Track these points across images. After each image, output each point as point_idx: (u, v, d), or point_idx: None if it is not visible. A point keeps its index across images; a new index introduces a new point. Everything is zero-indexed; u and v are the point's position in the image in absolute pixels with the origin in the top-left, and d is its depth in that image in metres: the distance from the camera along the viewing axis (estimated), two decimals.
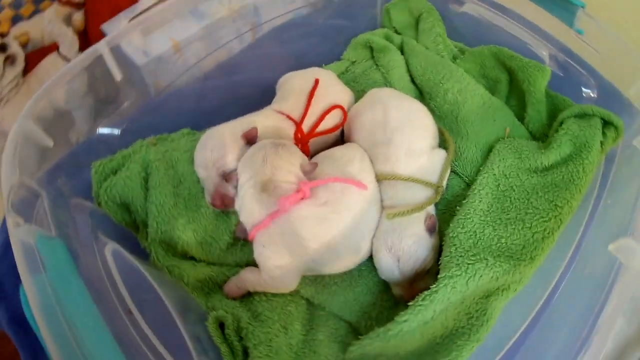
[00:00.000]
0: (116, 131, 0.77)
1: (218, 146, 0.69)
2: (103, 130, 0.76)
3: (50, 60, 0.97)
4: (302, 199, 0.62)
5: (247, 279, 0.65)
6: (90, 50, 0.72)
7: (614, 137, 0.69)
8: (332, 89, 0.81)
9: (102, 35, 0.97)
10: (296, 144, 0.73)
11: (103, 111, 0.78)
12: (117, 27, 0.96)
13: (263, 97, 0.86)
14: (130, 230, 0.72)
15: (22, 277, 0.52)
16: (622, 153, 0.69)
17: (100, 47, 0.72)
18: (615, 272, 0.54)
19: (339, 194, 0.64)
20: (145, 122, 0.80)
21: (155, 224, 0.68)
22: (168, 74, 0.85)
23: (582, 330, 0.52)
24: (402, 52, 0.92)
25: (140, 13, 0.98)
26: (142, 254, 0.69)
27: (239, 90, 0.91)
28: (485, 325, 0.58)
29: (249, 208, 0.62)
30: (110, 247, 0.60)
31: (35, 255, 0.53)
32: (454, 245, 0.63)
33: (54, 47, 0.99)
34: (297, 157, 0.66)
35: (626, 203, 0.60)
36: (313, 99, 0.77)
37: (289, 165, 0.64)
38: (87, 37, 1.04)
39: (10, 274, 0.77)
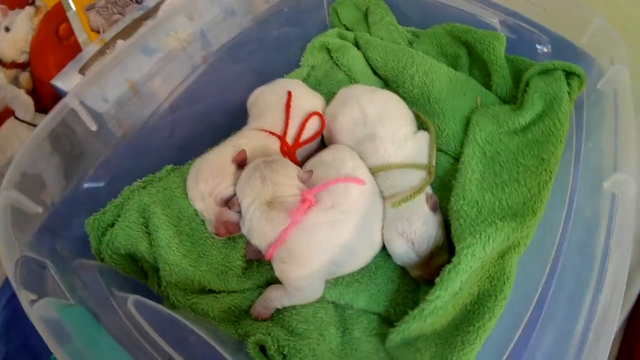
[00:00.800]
0: (100, 183, 0.74)
1: (211, 176, 0.68)
2: (87, 185, 0.73)
3: (9, 126, 0.93)
4: (309, 207, 0.63)
5: (273, 296, 0.65)
6: (58, 108, 0.70)
7: (579, 85, 0.72)
8: (304, 97, 0.82)
9: (52, 90, 0.94)
10: (284, 157, 0.73)
11: (79, 166, 0.75)
12: (67, 80, 0.93)
13: (232, 118, 0.86)
14: (139, 280, 0.70)
15: (53, 351, 0.50)
16: (589, 98, 0.72)
17: (70, 102, 0.70)
18: (614, 206, 0.57)
19: (343, 195, 0.65)
20: (125, 167, 0.78)
21: (167, 267, 0.66)
22: (132, 116, 0.83)
23: (600, 266, 0.55)
24: (358, 47, 0.94)
25: (88, 61, 0.96)
26: (156, 300, 0.67)
27: (206, 117, 0.90)
28: (507, 283, 0.60)
29: (261, 229, 0.63)
30: (132, 300, 0.58)
31: (60, 327, 0.52)
32: (461, 217, 0.65)
33: (9, 113, 0.95)
34: (292, 169, 0.67)
35: (606, 142, 0.63)
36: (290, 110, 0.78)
37: (288, 179, 0.65)
38: (37, 96, 1.00)
39: (20, 355, 0.74)
